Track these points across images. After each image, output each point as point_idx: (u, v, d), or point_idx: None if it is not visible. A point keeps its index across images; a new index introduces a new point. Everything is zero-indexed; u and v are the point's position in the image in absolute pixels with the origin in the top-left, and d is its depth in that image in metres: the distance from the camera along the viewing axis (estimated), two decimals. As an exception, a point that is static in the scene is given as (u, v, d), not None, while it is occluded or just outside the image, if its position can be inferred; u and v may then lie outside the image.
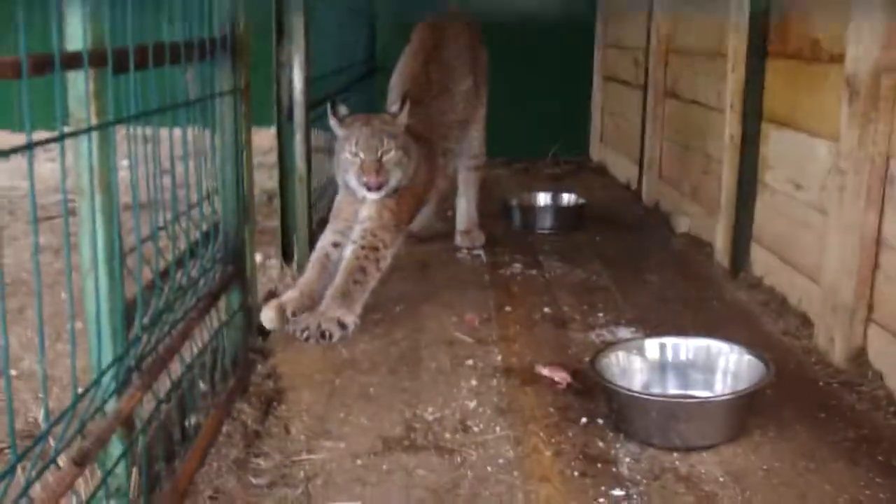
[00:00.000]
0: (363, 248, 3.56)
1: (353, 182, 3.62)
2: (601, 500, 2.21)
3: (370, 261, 3.54)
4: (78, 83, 1.78)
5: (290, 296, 3.50)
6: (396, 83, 4.38)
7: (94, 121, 1.79)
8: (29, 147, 1.43)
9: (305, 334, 3.28)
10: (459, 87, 4.34)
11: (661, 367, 2.80)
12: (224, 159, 2.74)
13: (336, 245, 3.68)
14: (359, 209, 3.68)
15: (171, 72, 2.23)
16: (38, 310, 1.50)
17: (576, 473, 2.34)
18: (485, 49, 4.75)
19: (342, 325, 3.33)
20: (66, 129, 1.73)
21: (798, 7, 3.54)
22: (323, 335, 3.28)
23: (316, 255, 3.70)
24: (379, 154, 3.55)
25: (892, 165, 2.81)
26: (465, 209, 4.78)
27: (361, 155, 3.55)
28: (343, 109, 3.75)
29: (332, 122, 3.70)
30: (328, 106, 3.74)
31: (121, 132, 1.95)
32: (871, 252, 2.89)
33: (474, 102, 4.51)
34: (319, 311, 3.37)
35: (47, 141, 1.55)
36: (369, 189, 3.57)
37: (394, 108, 3.77)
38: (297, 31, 3.99)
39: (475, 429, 2.61)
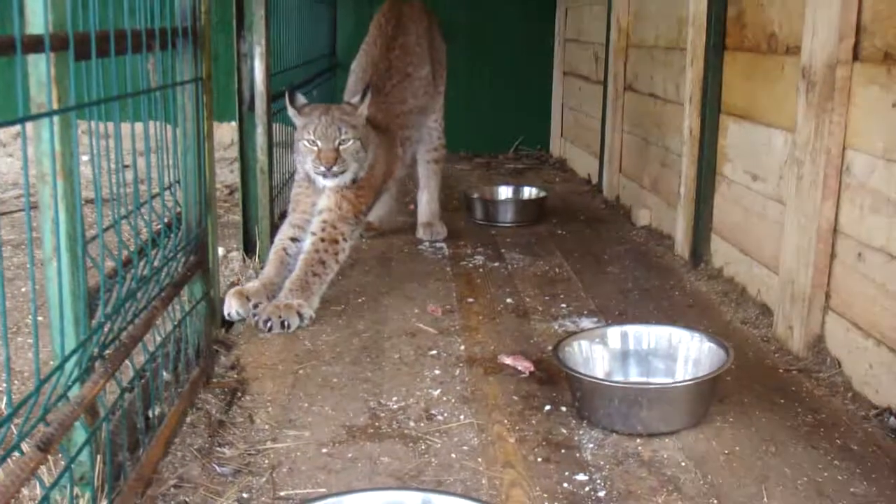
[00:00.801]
0: (322, 240, 3.57)
1: (310, 170, 3.65)
2: (565, 484, 2.23)
3: (329, 254, 3.54)
4: (39, 67, 1.77)
5: (251, 286, 3.49)
6: (357, 68, 4.39)
7: (55, 105, 1.78)
8: (-9, 129, 1.42)
9: (268, 325, 3.27)
10: (419, 73, 4.36)
11: (623, 356, 2.83)
12: (185, 149, 2.73)
13: (294, 240, 3.70)
14: (317, 200, 3.70)
15: (132, 61, 2.21)
16: (1, 300, 1.48)
17: (539, 459, 2.36)
18: (443, 38, 4.77)
19: (300, 316, 3.34)
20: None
21: (755, 0, 3.58)
22: (282, 325, 3.29)
23: (274, 250, 3.70)
24: (336, 143, 3.57)
25: (847, 156, 2.85)
26: (426, 202, 4.78)
27: (319, 143, 3.58)
28: (301, 98, 3.77)
29: (290, 111, 3.71)
30: (286, 94, 3.74)
31: (81, 126, 1.93)
32: (828, 241, 2.93)
33: (432, 91, 4.52)
34: (278, 302, 3.36)
35: (7, 123, 1.54)
36: (325, 176, 3.60)
37: (355, 98, 3.77)
38: (257, 23, 3.97)
39: (439, 417, 2.62)
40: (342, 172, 3.60)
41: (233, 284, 3.78)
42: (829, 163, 2.89)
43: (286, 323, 3.29)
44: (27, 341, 3.41)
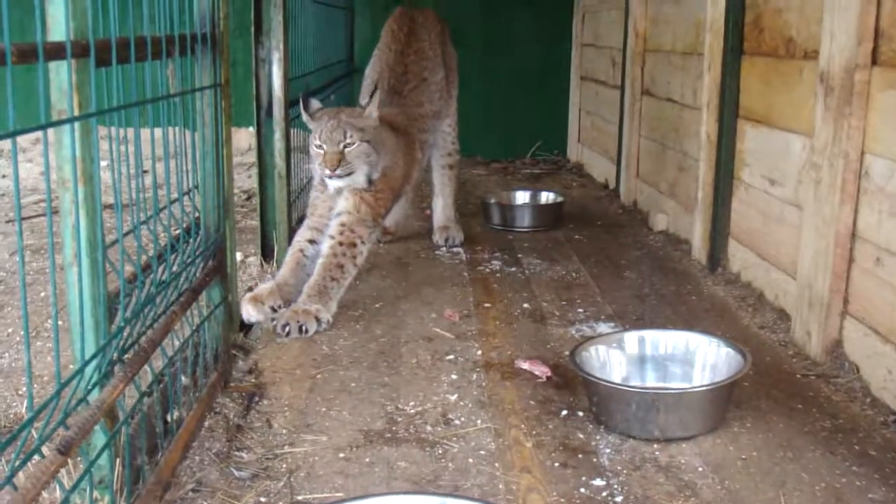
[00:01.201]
0: (341, 244, 3.58)
1: (317, 172, 3.72)
2: (582, 489, 2.23)
3: (347, 257, 3.55)
4: (61, 74, 1.78)
5: (264, 288, 3.51)
6: (371, 73, 4.41)
7: (76, 112, 1.79)
8: (13, 135, 1.43)
9: (287, 329, 3.29)
10: (434, 78, 4.39)
11: (641, 361, 2.83)
12: (204, 155, 2.74)
13: (311, 241, 3.72)
14: (334, 204, 3.73)
15: (151, 67, 2.23)
16: (23, 302, 1.50)
17: (556, 464, 2.36)
18: (454, 44, 4.79)
19: (318, 321, 3.35)
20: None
21: (773, 5, 3.57)
22: (300, 330, 3.30)
23: (291, 252, 3.72)
24: (340, 146, 3.59)
25: (865, 160, 2.84)
26: (441, 207, 4.79)
27: (325, 147, 3.61)
28: (315, 104, 3.81)
29: (304, 116, 3.77)
30: (300, 100, 3.79)
31: (101, 132, 1.95)
32: (846, 246, 2.92)
33: (446, 96, 4.54)
34: (297, 307, 3.38)
35: (30, 129, 1.56)
36: (330, 178, 3.64)
37: (364, 100, 3.82)
38: (275, 29, 4.00)
39: (456, 422, 2.62)
40: (348, 175, 3.62)
41: (250, 289, 3.80)
42: (847, 167, 2.88)
43: (304, 328, 3.30)
44: (46, 345, 3.43)
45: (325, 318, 3.38)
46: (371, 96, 3.74)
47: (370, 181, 3.69)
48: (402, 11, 4.52)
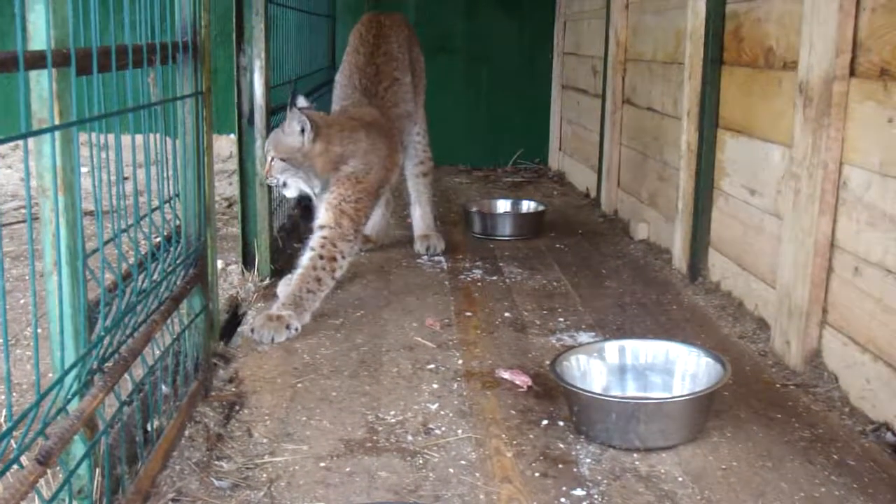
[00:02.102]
0: (321, 257, 3.60)
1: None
2: (562, 499, 2.24)
3: (326, 272, 3.58)
4: (41, 83, 1.78)
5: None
6: (341, 78, 4.38)
7: (56, 121, 1.79)
8: (-7, 145, 1.43)
9: (259, 336, 3.35)
10: (405, 79, 4.37)
11: (621, 370, 2.84)
12: (185, 162, 2.74)
13: None
14: (315, 212, 3.79)
15: (133, 75, 2.22)
16: (2, 310, 1.49)
17: (537, 474, 2.36)
18: (421, 49, 4.78)
19: (288, 328, 3.40)
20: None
21: (752, 15, 3.60)
22: (271, 338, 3.36)
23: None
24: (269, 158, 3.73)
25: (844, 171, 2.86)
26: (420, 216, 4.79)
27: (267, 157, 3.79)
28: (301, 101, 3.82)
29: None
30: (290, 95, 3.78)
31: (81, 138, 1.94)
32: (825, 256, 2.94)
33: (415, 100, 4.53)
34: (271, 313, 3.43)
35: (10, 138, 1.55)
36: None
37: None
38: (257, 37, 3.99)
39: (437, 431, 2.62)
40: (279, 186, 3.79)
41: (232, 298, 3.79)
42: (826, 178, 2.90)
43: (273, 337, 3.35)
44: (25, 353, 3.41)
45: (294, 326, 3.42)
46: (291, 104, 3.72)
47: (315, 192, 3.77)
48: (370, 16, 4.51)
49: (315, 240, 3.66)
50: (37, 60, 1.70)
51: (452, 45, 7.62)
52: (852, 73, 2.82)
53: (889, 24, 2.64)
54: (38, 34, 1.76)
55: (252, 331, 3.37)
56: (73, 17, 1.84)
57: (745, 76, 3.67)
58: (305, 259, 3.62)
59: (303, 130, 3.64)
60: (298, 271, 3.59)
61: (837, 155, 2.88)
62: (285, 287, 3.69)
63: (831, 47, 2.85)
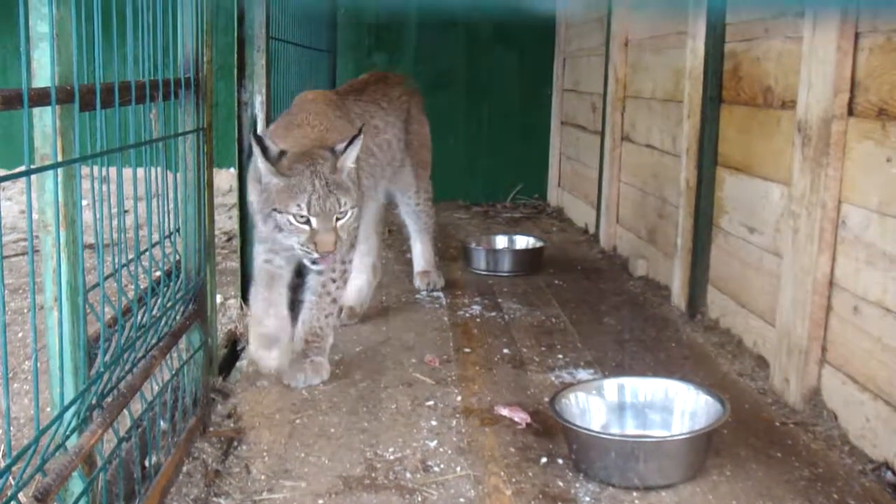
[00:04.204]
0: (321, 305, 3.40)
1: (297, 249, 3.03)
2: (562, 538, 2.23)
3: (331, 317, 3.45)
4: (45, 119, 1.79)
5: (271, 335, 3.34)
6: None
7: (59, 157, 1.80)
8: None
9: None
10: (386, 134, 4.08)
11: (620, 408, 2.83)
12: (186, 197, 2.75)
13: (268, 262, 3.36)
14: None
15: (135, 110, 2.24)
16: (3, 346, 1.49)
17: (536, 512, 2.35)
18: (425, 118, 4.57)
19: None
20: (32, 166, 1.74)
21: (751, 54, 3.62)
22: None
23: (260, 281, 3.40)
24: (335, 219, 2.98)
25: (843, 209, 2.87)
26: (420, 252, 4.77)
27: (314, 222, 2.95)
28: (272, 146, 3.01)
29: (264, 165, 2.97)
30: (253, 141, 2.98)
31: (83, 170, 1.95)
32: (825, 294, 2.95)
33: (402, 160, 4.31)
34: (304, 360, 3.33)
35: (14, 175, 1.56)
36: (316, 263, 3.09)
37: (340, 144, 3.07)
38: (258, 72, 4.02)
39: (436, 468, 2.61)
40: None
41: (230, 332, 3.78)
42: (824, 216, 2.91)
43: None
44: (23, 387, 3.40)
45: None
46: (353, 141, 3.06)
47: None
48: (373, 72, 4.41)
49: (314, 283, 3.42)
50: (41, 98, 1.71)
51: (453, 81, 7.66)
52: (850, 112, 2.84)
53: (886, 64, 2.66)
54: (43, 71, 1.78)
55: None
56: (76, 53, 1.85)
57: (744, 115, 3.69)
58: (306, 313, 3.41)
59: None
60: (302, 328, 3.40)
61: (836, 194, 2.89)
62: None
63: (829, 87, 2.87)
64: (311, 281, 3.40)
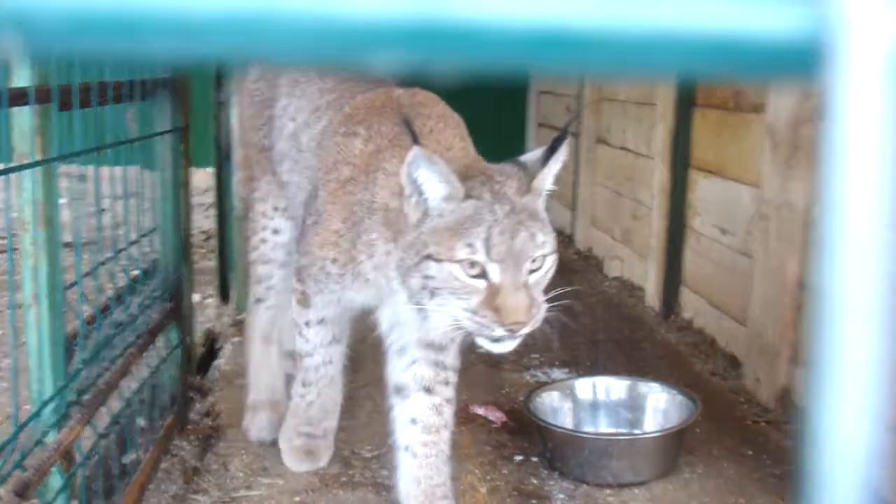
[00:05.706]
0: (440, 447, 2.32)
1: (462, 322, 1.96)
2: (535, 534, 2.26)
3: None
4: (22, 119, 1.80)
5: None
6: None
7: (37, 156, 1.81)
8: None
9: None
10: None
11: (593, 407, 2.86)
12: (163, 198, 2.76)
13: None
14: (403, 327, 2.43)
15: (113, 110, 2.25)
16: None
17: (510, 509, 2.38)
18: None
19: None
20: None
21: (725, 59, 3.66)
22: None
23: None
24: (526, 270, 1.91)
25: (812, 211, 2.92)
26: None
27: (493, 273, 1.87)
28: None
29: (441, 180, 1.96)
30: (405, 122, 2.08)
31: (60, 168, 1.97)
32: (795, 295, 2.99)
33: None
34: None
35: (-5, 174, 1.57)
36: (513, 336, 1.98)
37: (536, 151, 2.18)
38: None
39: (411, 466, 2.63)
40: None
41: (208, 331, 3.79)
42: (794, 218, 2.96)
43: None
44: (1, 384, 3.40)
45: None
46: (553, 149, 2.06)
47: None
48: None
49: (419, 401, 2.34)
50: (19, 97, 1.73)
51: (427, 83, 7.68)
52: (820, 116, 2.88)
53: (855, 69, 2.70)
54: (21, 71, 1.79)
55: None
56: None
57: (717, 118, 3.74)
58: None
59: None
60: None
61: (805, 196, 2.93)
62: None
63: (798, 92, 2.91)
64: (413, 406, 2.29)
